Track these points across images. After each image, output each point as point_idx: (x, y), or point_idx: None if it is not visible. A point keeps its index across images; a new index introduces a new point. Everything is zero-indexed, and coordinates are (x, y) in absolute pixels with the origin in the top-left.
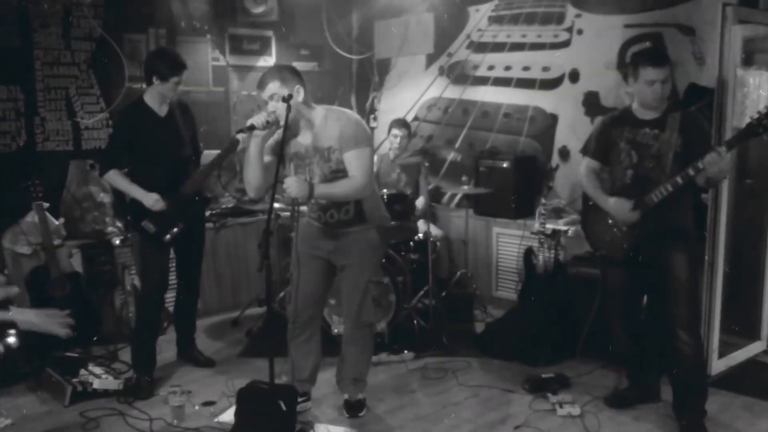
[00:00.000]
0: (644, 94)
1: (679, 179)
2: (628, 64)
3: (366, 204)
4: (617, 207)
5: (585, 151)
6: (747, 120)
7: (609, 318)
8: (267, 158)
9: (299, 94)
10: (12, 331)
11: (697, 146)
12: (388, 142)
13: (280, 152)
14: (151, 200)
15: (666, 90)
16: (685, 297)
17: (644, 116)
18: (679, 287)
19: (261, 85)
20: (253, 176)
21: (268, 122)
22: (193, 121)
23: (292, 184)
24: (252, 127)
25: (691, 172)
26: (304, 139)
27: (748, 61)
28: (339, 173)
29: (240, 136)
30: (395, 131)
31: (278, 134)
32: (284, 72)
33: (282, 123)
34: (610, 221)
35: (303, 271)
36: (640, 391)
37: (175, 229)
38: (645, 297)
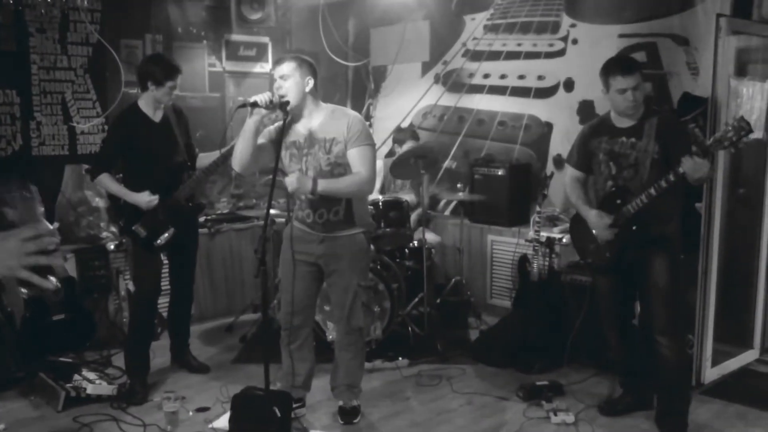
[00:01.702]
0: (617, 103)
1: (652, 191)
2: (600, 75)
3: (355, 206)
4: (596, 221)
5: (569, 160)
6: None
7: (601, 325)
8: (261, 140)
9: (308, 85)
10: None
11: (677, 150)
12: (400, 152)
13: (277, 151)
14: (144, 199)
15: (639, 97)
16: (664, 302)
17: (621, 124)
18: (658, 293)
19: (278, 62)
20: (243, 151)
21: (271, 101)
22: (187, 127)
23: (294, 180)
24: (255, 104)
25: (663, 184)
26: (303, 128)
27: (741, 71)
28: (337, 167)
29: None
30: (410, 143)
31: (278, 123)
32: (302, 60)
33: (288, 100)
34: (593, 230)
35: (292, 277)
36: (634, 398)
37: (166, 234)
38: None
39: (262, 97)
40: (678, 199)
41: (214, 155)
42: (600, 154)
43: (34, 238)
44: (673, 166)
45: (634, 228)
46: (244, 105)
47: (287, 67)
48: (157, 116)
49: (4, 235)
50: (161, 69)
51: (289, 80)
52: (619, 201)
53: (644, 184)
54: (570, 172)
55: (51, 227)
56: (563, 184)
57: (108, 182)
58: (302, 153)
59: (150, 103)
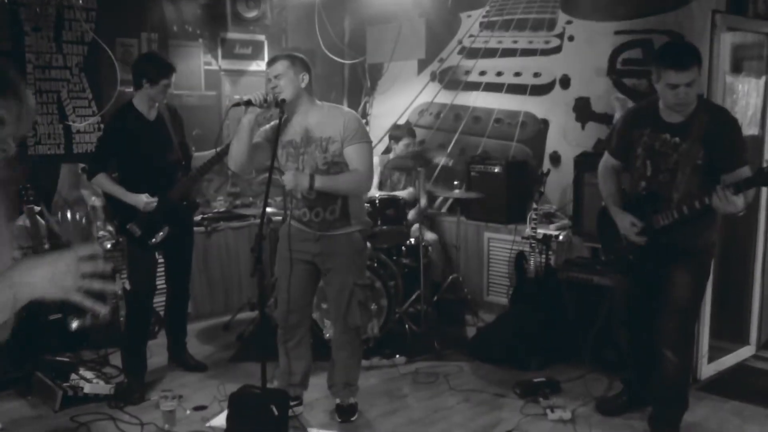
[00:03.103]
0: (666, 98)
1: (685, 209)
2: (652, 61)
3: (352, 204)
4: (626, 227)
5: (607, 145)
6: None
7: (614, 323)
8: (257, 140)
9: (303, 81)
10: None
11: (722, 160)
12: (397, 148)
13: (273, 149)
14: (141, 201)
15: (692, 93)
16: (679, 318)
17: (669, 118)
18: (676, 308)
19: (271, 61)
20: (239, 150)
21: (266, 100)
22: (181, 125)
23: (291, 177)
24: (249, 103)
25: (697, 205)
26: (300, 127)
27: (736, 68)
28: (334, 166)
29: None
30: (406, 140)
31: (274, 122)
32: (295, 57)
33: (284, 97)
34: (622, 233)
35: (288, 276)
36: (632, 396)
37: (161, 233)
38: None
39: (256, 96)
40: (715, 212)
41: (210, 154)
42: (639, 148)
43: (90, 258)
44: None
45: (663, 238)
46: (238, 104)
47: (280, 66)
48: (151, 115)
49: (60, 254)
50: (155, 67)
51: (284, 78)
52: (650, 208)
53: (680, 192)
54: (606, 158)
55: (102, 249)
56: (598, 171)
57: (105, 182)
58: (299, 152)
59: (144, 102)
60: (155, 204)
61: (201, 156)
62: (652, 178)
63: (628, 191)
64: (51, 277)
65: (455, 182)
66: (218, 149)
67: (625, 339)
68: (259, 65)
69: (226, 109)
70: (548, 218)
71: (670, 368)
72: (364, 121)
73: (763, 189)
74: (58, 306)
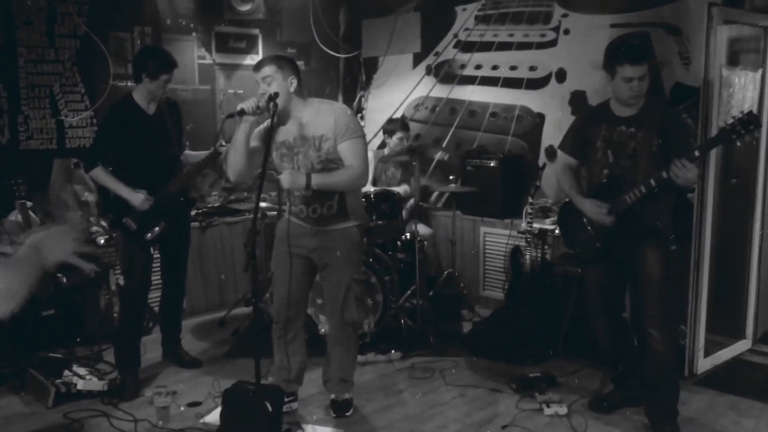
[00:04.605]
0: (621, 92)
1: (652, 182)
2: (606, 59)
3: (349, 200)
4: (593, 210)
5: (562, 147)
6: (729, 121)
7: (590, 316)
8: (253, 143)
9: (292, 85)
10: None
11: (677, 145)
12: (391, 143)
13: (267, 144)
14: (138, 199)
15: (643, 87)
16: (656, 295)
17: (622, 113)
18: (651, 286)
19: (258, 66)
20: (236, 160)
21: (258, 107)
22: (180, 119)
23: (288, 176)
24: (242, 112)
25: (664, 175)
26: (293, 127)
27: (733, 60)
28: (329, 164)
29: (221, 147)
30: (399, 134)
31: (267, 122)
32: (282, 60)
33: (277, 91)
34: (584, 220)
35: (285, 271)
36: (625, 393)
37: (157, 228)
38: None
39: (248, 104)
40: (671, 191)
41: (204, 153)
42: (597, 141)
43: (80, 227)
44: (675, 156)
45: (629, 219)
46: (231, 115)
47: (268, 70)
48: (150, 109)
49: (60, 226)
50: (156, 61)
51: (273, 84)
52: (614, 192)
53: (642, 175)
54: (563, 159)
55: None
56: (555, 172)
57: (103, 176)
58: (293, 152)
59: (144, 96)
60: (150, 204)
61: (193, 154)
62: (614, 165)
63: (588, 183)
64: (58, 244)
65: (451, 176)
66: (216, 146)
67: (603, 331)
68: (254, 59)
69: (221, 122)
70: (544, 212)
71: (657, 347)
72: (359, 115)
73: (760, 186)
74: (51, 302)
